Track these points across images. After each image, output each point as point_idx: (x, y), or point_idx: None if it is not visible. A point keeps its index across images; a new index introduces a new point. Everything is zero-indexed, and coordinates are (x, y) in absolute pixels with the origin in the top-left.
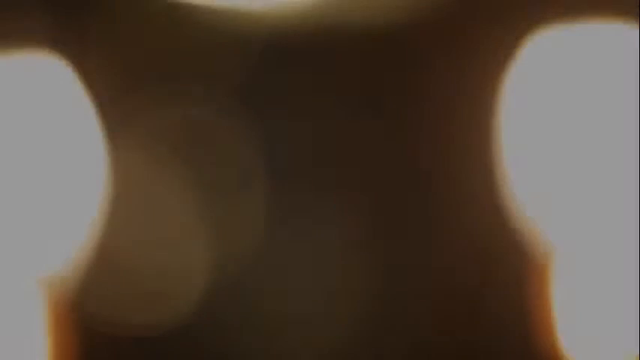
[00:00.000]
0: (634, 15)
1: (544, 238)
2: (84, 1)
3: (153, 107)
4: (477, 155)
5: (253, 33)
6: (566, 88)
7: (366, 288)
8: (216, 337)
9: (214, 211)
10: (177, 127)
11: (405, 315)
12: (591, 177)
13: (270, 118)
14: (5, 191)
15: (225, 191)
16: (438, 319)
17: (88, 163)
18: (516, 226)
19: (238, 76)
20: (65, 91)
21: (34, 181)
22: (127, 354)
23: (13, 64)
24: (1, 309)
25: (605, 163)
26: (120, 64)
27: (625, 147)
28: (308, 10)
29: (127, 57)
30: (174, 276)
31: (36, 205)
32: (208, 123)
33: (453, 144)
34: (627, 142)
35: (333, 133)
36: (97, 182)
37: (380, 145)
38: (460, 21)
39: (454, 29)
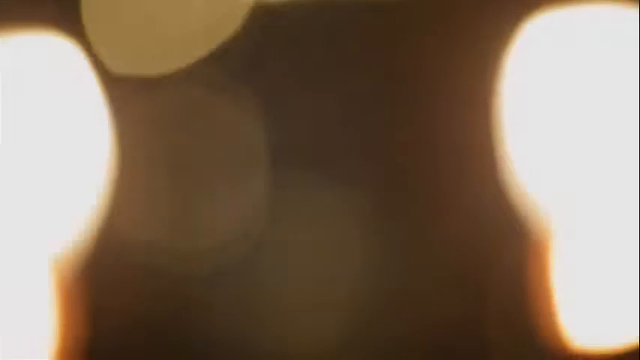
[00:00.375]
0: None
1: (545, 218)
2: None
3: (155, 87)
4: (475, 136)
5: (253, 13)
6: (564, 72)
7: (366, 269)
8: (217, 320)
9: (216, 192)
10: (180, 107)
11: (405, 297)
12: (591, 159)
13: (271, 97)
14: (13, 171)
15: (227, 172)
16: (439, 304)
17: (93, 142)
18: (517, 207)
19: (240, 56)
20: (71, 71)
21: (41, 161)
22: (134, 333)
23: (19, 45)
24: (11, 287)
25: (605, 146)
26: (124, 42)
27: (625, 131)
28: None
29: (131, 34)
30: (176, 257)
31: (43, 185)
32: (211, 102)
33: (452, 125)
34: (627, 125)
35: (333, 113)
36: (102, 161)
37: (381, 124)
38: (457, 3)
39: (450, 11)
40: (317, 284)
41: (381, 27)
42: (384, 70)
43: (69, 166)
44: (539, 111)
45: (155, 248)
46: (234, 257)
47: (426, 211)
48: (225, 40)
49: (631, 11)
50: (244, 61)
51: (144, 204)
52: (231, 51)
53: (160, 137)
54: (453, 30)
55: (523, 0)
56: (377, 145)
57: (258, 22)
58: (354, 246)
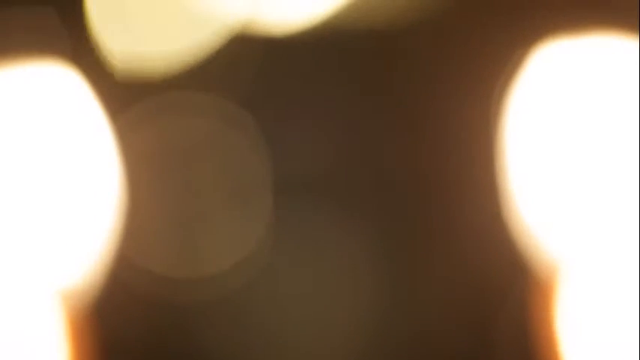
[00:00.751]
0: (635, 28)
1: (548, 255)
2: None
3: (160, 117)
4: (480, 168)
5: (259, 43)
6: (570, 100)
7: (369, 301)
8: (219, 348)
9: (219, 221)
10: (184, 137)
11: (406, 328)
12: (597, 191)
13: (275, 126)
14: (21, 202)
15: (231, 200)
16: (443, 341)
17: (100, 172)
18: (522, 246)
19: (245, 85)
20: (76, 101)
21: (49, 192)
22: None
23: (25, 74)
24: (20, 320)
25: (611, 177)
26: (128, 42)
27: (631, 160)
28: (313, 18)
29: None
30: (180, 286)
31: (51, 216)
32: (215, 131)
33: (456, 156)
34: (633, 155)
35: (337, 143)
36: (110, 192)
37: (384, 155)
38: (465, 31)
39: (458, 39)
40: (319, 315)
41: (386, 55)
42: (389, 100)
43: (77, 197)
44: (546, 142)
45: (160, 278)
46: (237, 286)
47: (430, 245)
48: (230, 71)
49: (633, 41)
50: (248, 91)
51: (149, 234)
52: (235, 81)
53: (164, 167)
54: (458, 58)
55: (530, 28)
56: (381, 176)
57: (262, 52)
58: (358, 278)
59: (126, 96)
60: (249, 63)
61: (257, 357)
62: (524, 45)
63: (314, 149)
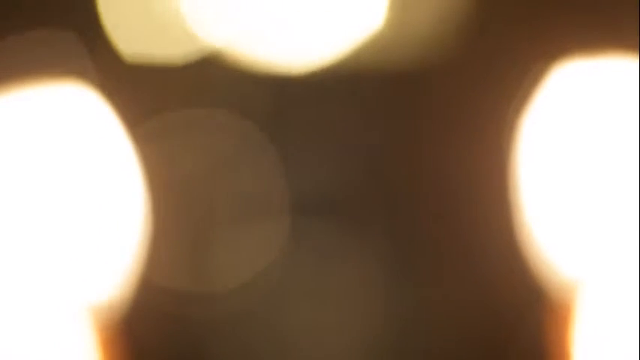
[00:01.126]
0: None
1: (564, 275)
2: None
3: (179, 134)
4: (494, 188)
5: (279, 78)
6: (585, 121)
7: (382, 318)
8: None
9: (236, 237)
10: (204, 153)
11: (419, 348)
12: (614, 210)
13: (293, 146)
14: (48, 220)
15: (248, 218)
16: (453, 358)
17: (123, 189)
18: (535, 264)
19: (265, 105)
20: (97, 121)
21: (76, 209)
22: None
23: (47, 94)
24: (51, 336)
25: (628, 196)
26: (149, 92)
27: None
28: (331, 57)
29: (156, 85)
30: (196, 302)
31: (77, 233)
32: (234, 150)
33: (470, 177)
34: None
35: (352, 164)
36: (133, 208)
37: (397, 176)
38: (479, 59)
39: (473, 68)
40: (332, 332)
41: (405, 87)
42: (403, 123)
43: (103, 213)
44: (561, 162)
45: (176, 294)
46: (252, 303)
47: (444, 266)
48: (250, 93)
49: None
50: (268, 113)
51: (168, 250)
52: (255, 103)
53: (182, 184)
54: (471, 84)
55: (547, 49)
56: (394, 196)
57: (281, 86)
58: (371, 297)
59: (146, 113)
60: (271, 84)
61: None
62: (540, 66)
63: (329, 171)
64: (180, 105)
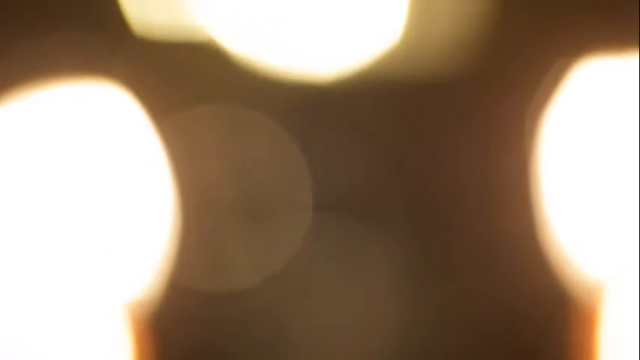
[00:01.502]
0: None
1: (589, 278)
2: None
3: (205, 132)
4: (516, 189)
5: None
6: (607, 122)
7: (403, 318)
8: None
9: (258, 238)
10: (229, 152)
11: (440, 351)
12: (638, 211)
13: (317, 150)
14: (81, 219)
15: (270, 219)
16: None
17: (155, 187)
18: (559, 267)
19: (290, 107)
20: (126, 120)
21: (108, 209)
22: None
23: (75, 93)
24: (85, 334)
25: None
26: (176, 89)
27: None
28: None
29: (183, 83)
30: (215, 300)
31: (111, 231)
32: (258, 147)
33: (492, 177)
34: None
35: (377, 166)
36: (163, 207)
37: (418, 175)
38: (500, 59)
39: (493, 68)
40: (352, 331)
41: (425, 87)
42: (426, 122)
43: (134, 212)
44: (583, 161)
45: (199, 292)
46: (274, 301)
47: (466, 268)
48: (275, 94)
49: None
50: (292, 114)
51: (190, 248)
52: (279, 103)
53: (206, 181)
54: (492, 84)
55: (568, 48)
56: (415, 196)
57: (305, 86)
58: (391, 296)
59: (171, 110)
60: (292, 97)
61: None
62: (561, 64)
63: (351, 171)
64: (207, 103)
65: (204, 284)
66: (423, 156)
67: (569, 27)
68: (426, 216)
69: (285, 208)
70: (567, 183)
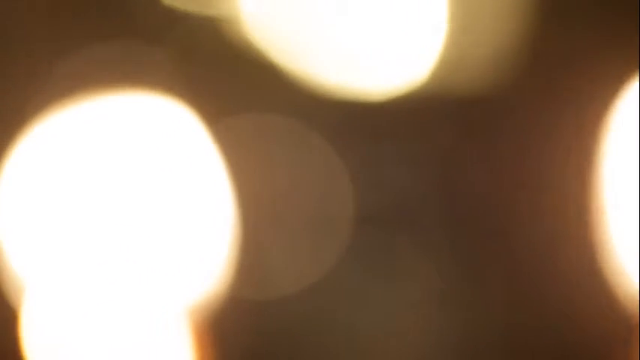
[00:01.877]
0: None
1: None
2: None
3: (251, 141)
4: (572, 206)
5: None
6: None
7: (445, 330)
8: None
9: (301, 248)
10: (273, 163)
11: None
12: None
13: (365, 163)
14: (144, 224)
15: (313, 229)
16: None
17: (214, 196)
18: (620, 291)
19: (340, 119)
20: (184, 132)
21: (170, 216)
22: None
23: (136, 104)
24: (147, 339)
25: None
26: (229, 100)
27: None
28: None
29: (237, 98)
30: (262, 309)
31: (173, 237)
32: (303, 158)
33: (546, 195)
34: None
35: (423, 183)
36: (224, 215)
37: (467, 188)
38: (557, 65)
39: (550, 74)
40: (392, 342)
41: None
42: (469, 139)
43: (195, 218)
44: None
45: (245, 300)
46: (313, 310)
47: (511, 279)
48: (321, 107)
49: None
50: (343, 131)
51: (247, 257)
52: (325, 116)
53: (252, 191)
54: (548, 92)
55: (619, 67)
56: (464, 210)
57: (355, 105)
58: (433, 309)
59: (221, 119)
60: (338, 112)
61: None
62: (621, 73)
63: (395, 184)
64: (255, 112)
65: (252, 292)
66: (465, 171)
67: (630, 31)
68: (472, 230)
69: (328, 220)
70: (628, 198)
